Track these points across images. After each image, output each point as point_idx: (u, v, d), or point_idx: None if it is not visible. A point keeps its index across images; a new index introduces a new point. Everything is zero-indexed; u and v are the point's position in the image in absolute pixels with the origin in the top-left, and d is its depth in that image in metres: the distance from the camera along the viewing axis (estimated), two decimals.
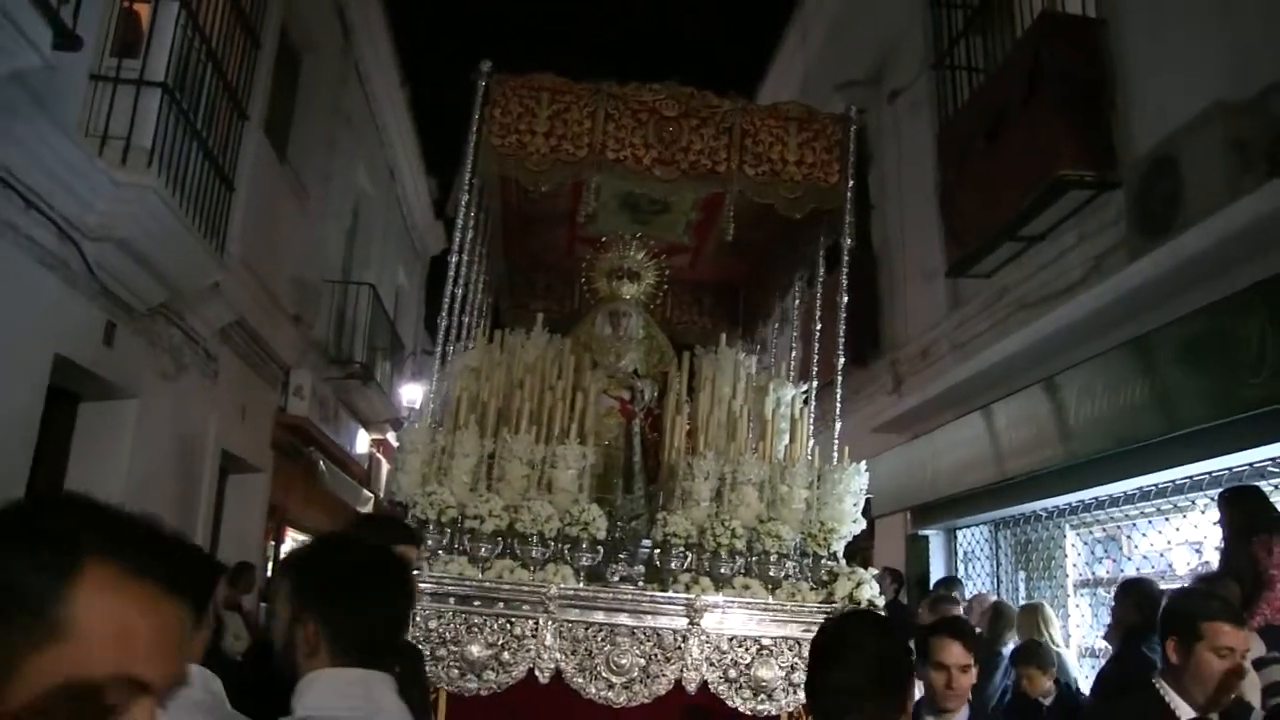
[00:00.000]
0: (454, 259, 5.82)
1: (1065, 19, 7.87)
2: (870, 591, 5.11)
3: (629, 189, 6.18)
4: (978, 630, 7.60)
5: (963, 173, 8.91)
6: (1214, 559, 6.64)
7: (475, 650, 4.76)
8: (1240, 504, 5.66)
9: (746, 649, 4.96)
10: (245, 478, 11.49)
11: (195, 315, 8.86)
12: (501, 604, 4.85)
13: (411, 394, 16.74)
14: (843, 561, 5.33)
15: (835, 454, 5.56)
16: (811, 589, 5.14)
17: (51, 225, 6.34)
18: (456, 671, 4.75)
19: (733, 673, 4.90)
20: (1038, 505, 8.64)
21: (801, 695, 4.72)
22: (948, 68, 9.74)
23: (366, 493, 15.80)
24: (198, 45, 7.49)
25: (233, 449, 10.52)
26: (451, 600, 4.81)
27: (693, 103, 5.86)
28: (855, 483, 5.39)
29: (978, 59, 9.48)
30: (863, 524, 5.48)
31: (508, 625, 4.84)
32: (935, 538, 10.55)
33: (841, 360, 5.90)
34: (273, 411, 12.00)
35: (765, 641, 4.99)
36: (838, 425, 5.68)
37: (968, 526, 10.18)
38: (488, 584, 4.86)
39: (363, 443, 16.31)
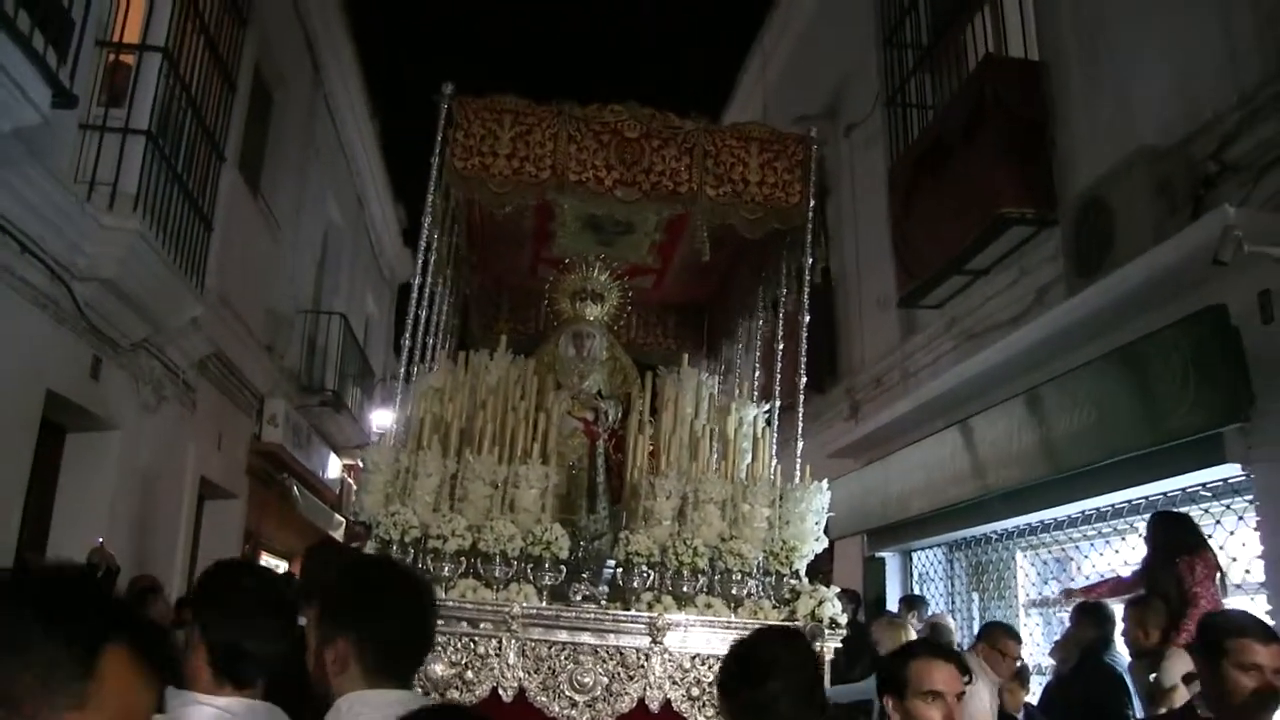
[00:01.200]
0: (417, 280, 5.80)
1: (1007, 61, 8.25)
2: (833, 609, 5.10)
3: (592, 210, 6.17)
4: None
5: (911, 207, 9.31)
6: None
7: (439, 669, 4.74)
8: (1165, 527, 6.07)
9: (710, 667, 4.87)
10: (221, 504, 11.75)
11: (175, 348, 9.16)
12: (465, 623, 4.85)
13: (382, 419, 17.00)
14: (805, 580, 5.32)
15: (797, 473, 5.60)
16: (774, 607, 5.13)
17: (43, 267, 6.68)
18: (420, 691, 4.49)
19: (695, 691, 4.89)
20: (986, 529, 9.00)
21: None
22: (899, 105, 10.14)
23: (338, 516, 16.04)
24: (178, 93, 7.82)
25: (210, 476, 10.81)
26: None
27: (654, 123, 5.86)
28: (817, 501, 5.38)
29: (927, 97, 9.84)
30: (825, 542, 5.49)
31: (471, 644, 4.84)
32: (891, 559, 10.90)
33: (803, 379, 5.92)
34: (248, 439, 12.26)
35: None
36: (799, 444, 5.75)
37: (923, 549, 10.52)
38: (451, 603, 4.81)
39: (334, 468, 16.56)
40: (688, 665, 4.93)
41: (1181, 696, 4.78)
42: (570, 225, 6.49)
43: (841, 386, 11.78)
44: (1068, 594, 7.46)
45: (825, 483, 5.50)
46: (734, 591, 5.10)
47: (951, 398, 8.81)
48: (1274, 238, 5.29)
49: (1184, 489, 6.62)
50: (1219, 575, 5.73)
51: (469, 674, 4.79)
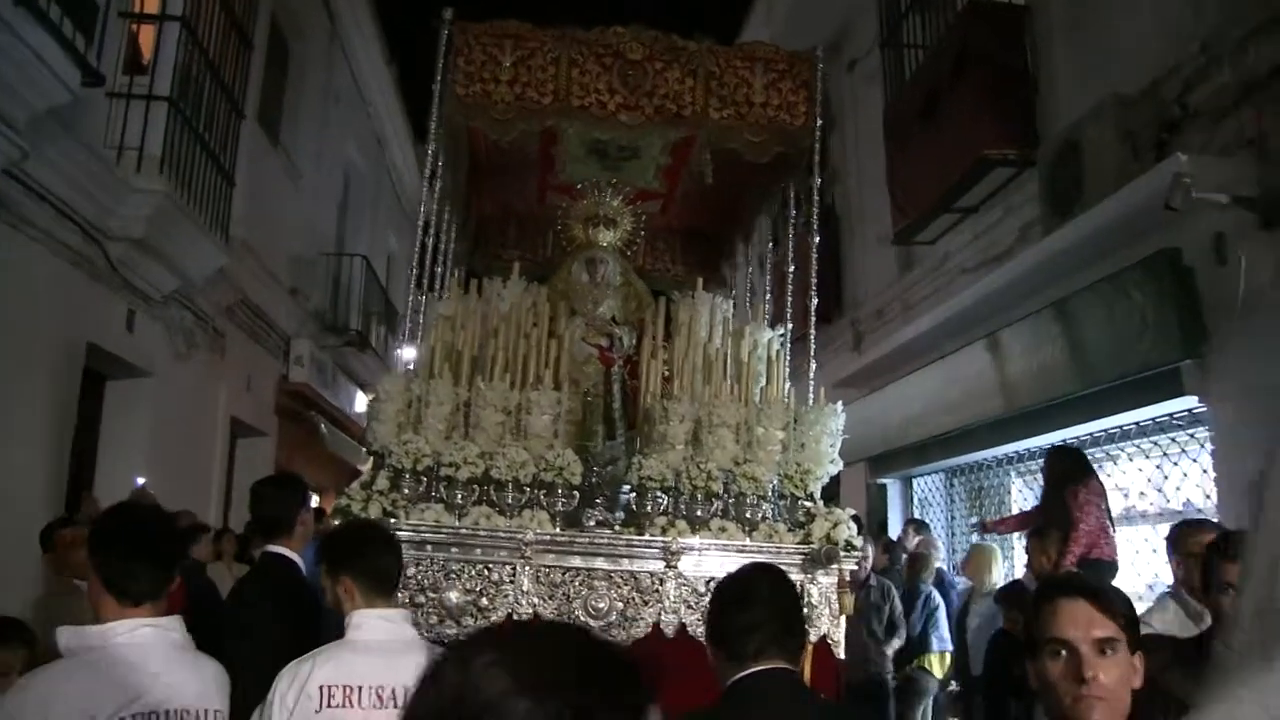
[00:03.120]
0: (423, 209, 5.75)
1: (991, 6, 8.51)
2: (848, 532, 4.97)
3: (597, 135, 6.04)
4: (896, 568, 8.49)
5: (904, 147, 9.59)
6: (1137, 502, 7.51)
7: (453, 597, 4.73)
8: (1056, 460, 6.61)
9: None
10: (253, 441, 12.35)
11: (204, 297, 9.68)
12: (478, 550, 4.80)
13: (406, 356, 17.43)
14: (820, 503, 5.19)
15: (810, 397, 5.51)
16: (789, 530, 5.03)
17: (79, 229, 7.16)
18: (435, 618, 4.70)
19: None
20: (981, 455, 9.41)
21: None
22: (894, 46, 10.37)
23: (367, 452, 16.56)
24: (197, 57, 8.22)
25: (241, 416, 11.41)
26: (429, 548, 4.78)
27: (658, 45, 5.67)
28: (832, 423, 5.28)
29: (922, 37, 9.96)
30: (840, 465, 5.38)
31: (485, 571, 4.79)
32: (892, 486, 11.40)
33: (814, 301, 5.81)
34: (276, 379, 12.84)
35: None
36: (812, 366, 5.68)
37: (923, 475, 10.98)
38: (464, 531, 4.81)
39: (360, 404, 17.06)
40: (702, 589, 4.82)
41: None
42: (575, 151, 6.37)
43: (846, 318, 12.13)
44: (983, 526, 7.90)
45: (839, 404, 5.43)
46: (748, 515, 5.01)
47: (943, 330, 9.15)
48: (1226, 183, 5.64)
49: (1154, 419, 6.99)
50: (1103, 501, 6.23)
51: (483, 600, 4.76)
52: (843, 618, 4.93)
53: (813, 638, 4.76)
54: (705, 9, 6.01)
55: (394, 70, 17.30)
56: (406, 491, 4.89)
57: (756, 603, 2.64)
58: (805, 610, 4.71)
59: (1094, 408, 7.20)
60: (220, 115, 8.90)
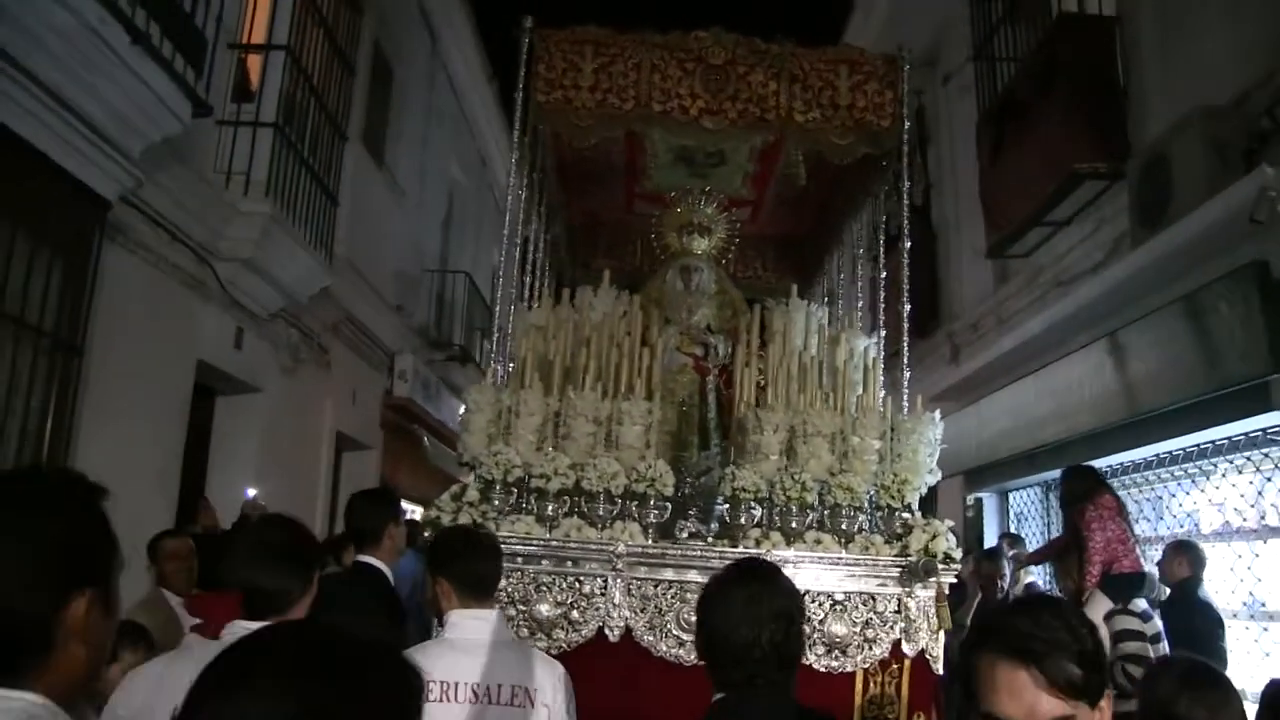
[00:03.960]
0: (508, 218, 5.81)
1: (1082, 19, 8.44)
2: (947, 544, 4.87)
3: (682, 141, 6.05)
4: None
5: (996, 160, 9.58)
6: (1234, 520, 7.39)
7: (544, 609, 4.68)
8: (1068, 481, 6.62)
9: (819, 604, 4.76)
10: (358, 454, 12.70)
11: (309, 315, 10.03)
12: (569, 563, 4.76)
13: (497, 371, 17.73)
14: (918, 514, 5.11)
15: (906, 406, 5.47)
16: (885, 542, 4.94)
17: (190, 252, 7.53)
18: (526, 631, 4.66)
19: (805, 629, 4.35)
20: None
21: (876, 651, 4.75)
22: (986, 58, 10.34)
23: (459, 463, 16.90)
24: (301, 84, 8.58)
25: (346, 430, 11.76)
26: (519, 560, 4.73)
27: (740, 49, 5.65)
28: (930, 433, 5.19)
29: (1015, 49, 9.91)
30: (938, 475, 5.28)
31: (576, 584, 4.74)
32: (989, 500, 11.31)
33: (908, 307, 5.78)
34: (380, 394, 13.19)
35: (838, 596, 4.80)
36: (906, 375, 5.66)
37: (1019, 489, 10.89)
38: (555, 543, 4.77)
39: None
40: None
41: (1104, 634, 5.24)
42: (662, 158, 6.39)
43: (943, 331, 12.07)
44: (1019, 561, 7.96)
45: (938, 413, 5.35)
46: (844, 527, 4.93)
47: (1037, 344, 9.16)
48: None
49: (1246, 433, 6.88)
50: (1118, 515, 6.20)
51: (574, 614, 4.72)
52: (941, 632, 4.86)
53: (910, 653, 4.77)
54: (796, 27, 5.95)
55: (495, 87, 17.63)
56: (497, 503, 4.89)
57: (750, 615, 2.44)
58: (905, 625, 4.79)
59: (1183, 422, 7.14)
60: (325, 138, 9.24)
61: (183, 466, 7.76)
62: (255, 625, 2.48)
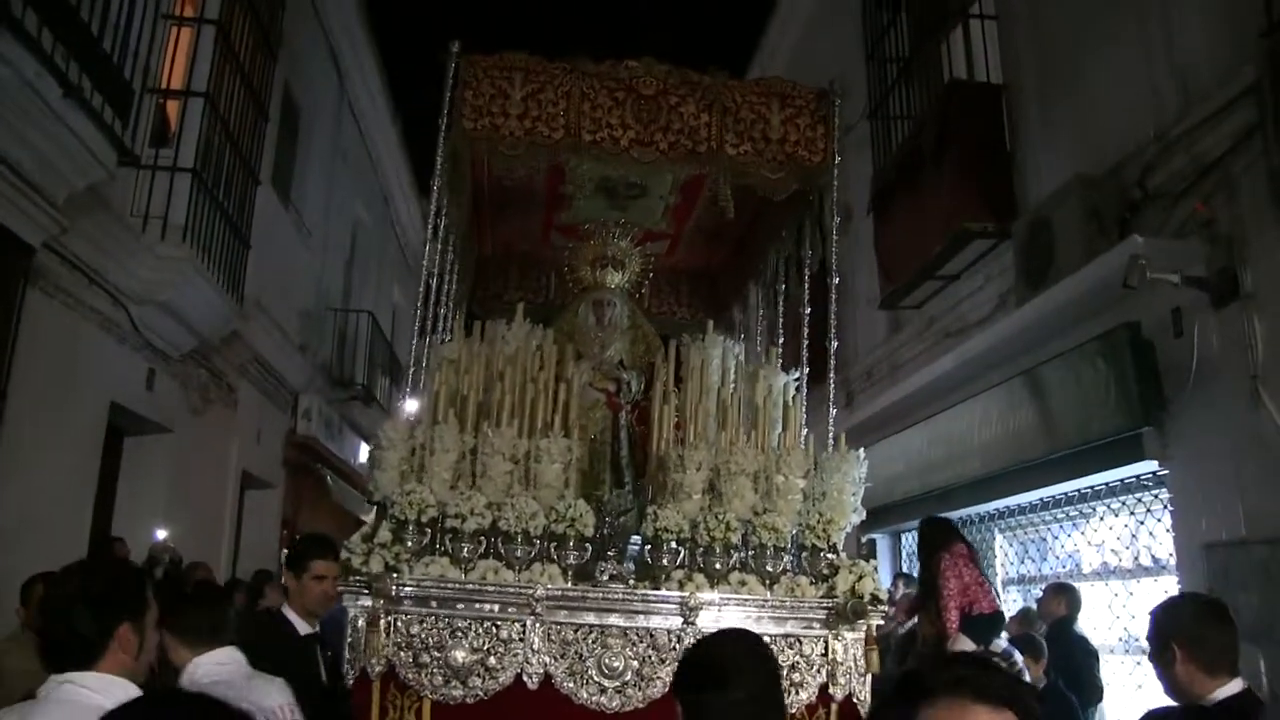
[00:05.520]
0: (426, 247, 5.60)
1: (970, 86, 8.93)
2: (874, 585, 4.75)
3: (606, 172, 5.88)
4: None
5: (890, 215, 10.03)
6: (1111, 560, 7.85)
7: (460, 656, 4.50)
8: (922, 532, 6.92)
9: None
10: (261, 494, 12.73)
11: (219, 356, 10.10)
12: (486, 606, 4.56)
13: (410, 408, 17.77)
14: (843, 555, 4.95)
15: (830, 443, 5.28)
16: (811, 583, 4.80)
17: (106, 295, 7.60)
18: (440, 679, 4.48)
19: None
20: (963, 512, 9.71)
21: (803, 695, 4.64)
22: (881, 118, 10.79)
23: (369, 503, 16.89)
24: (218, 129, 8.69)
25: (250, 469, 11.79)
26: (433, 604, 4.55)
27: (671, 79, 5.49)
28: (854, 472, 5.07)
29: (908, 108, 10.29)
30: (863, 514, 5.16)
31: (493, 629, 4.55)
32: (882, 541, 11.73)
33: (834, 344, 5.69)
34: (284, 433, 13.24)
35: (764, 640, 4.62)
36: (832, 412, 5.52)
37: (910, 530, 11.26)
38: (471, 586, 4.57)
39: (365, 456, 17.42)
40: None
41: None
42: (585, 188, 6.25)
43: (839, 377, 12.41)
44: (897, 612, 8.26)
45: (862, 451, 5.23)
46: (768, 568, 4.77)
47: (928, 392, 9.58)
48: (1179, 263, 6.05)
49: (1122, 480, 7.33)
50: (970, 561, 6.44)
51: (491, 660, 4.52)
52: (868, 676, 4.73)
53: (838, 696, 4.68)
54: (700, 64, 5.81)
55: (399, 126, 17.82)
56: (410, 544, 4.61)
57: (734, 683, 2.38)
58: (831, 669, 4.71)
59: (1064, 470, 7.57)
60: (238, 181, 9.35)
61: (96, 505, 7.79)
62: (64, 679, 2.48)
